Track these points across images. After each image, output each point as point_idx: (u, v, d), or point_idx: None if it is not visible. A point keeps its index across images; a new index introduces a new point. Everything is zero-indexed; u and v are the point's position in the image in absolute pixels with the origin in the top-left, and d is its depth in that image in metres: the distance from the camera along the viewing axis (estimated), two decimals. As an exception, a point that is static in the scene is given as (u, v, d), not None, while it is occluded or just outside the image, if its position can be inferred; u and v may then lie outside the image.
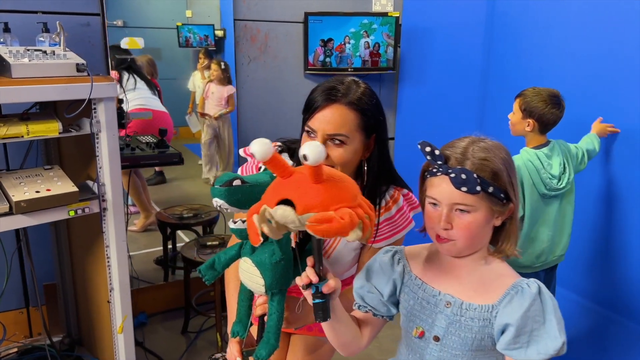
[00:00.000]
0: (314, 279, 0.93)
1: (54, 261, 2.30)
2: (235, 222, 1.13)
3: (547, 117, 2.02)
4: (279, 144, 1.42)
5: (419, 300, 1.03)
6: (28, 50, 1.64)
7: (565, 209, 2.14)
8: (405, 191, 1.36)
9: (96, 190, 1.77)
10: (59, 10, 2.18)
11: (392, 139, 3.16)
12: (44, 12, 2.15)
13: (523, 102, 2.06)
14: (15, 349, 2.24)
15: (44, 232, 2.25)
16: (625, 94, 2.27)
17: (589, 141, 2.26)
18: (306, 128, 1.25)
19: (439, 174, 0.94)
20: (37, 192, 1.62)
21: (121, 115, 1.97)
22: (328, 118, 1.20)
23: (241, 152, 1.46)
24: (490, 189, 0.92)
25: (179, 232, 3.07)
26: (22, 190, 1.61)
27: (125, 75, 2.71)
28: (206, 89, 3.08)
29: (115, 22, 2.62)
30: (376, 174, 1.30)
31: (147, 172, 3.20)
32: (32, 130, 1.61)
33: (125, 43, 2.55)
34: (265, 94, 2.80)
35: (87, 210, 1.74)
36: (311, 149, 0.81)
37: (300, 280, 0.95)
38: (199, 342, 2.61)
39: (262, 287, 1.14)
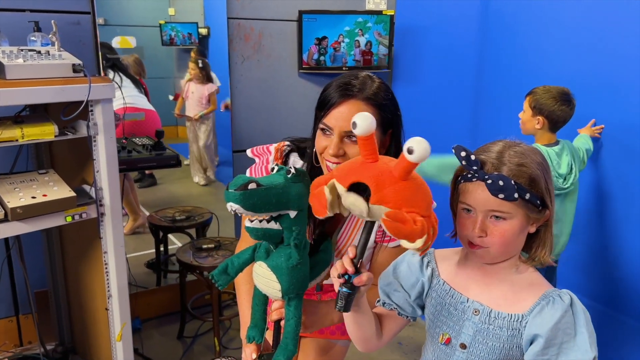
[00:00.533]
0: (350, 269, 0.91)
1: (46, 268, 2.23)
2: (252, 221, 1.09)
3: (557, 114, 2.02)
4: (287, 143, 1.39)
5: (446, 306, 1.01)
6: (22, 50, 1.58)
7: (567, 208, 2.14)
8: None
9: (93, 195, 1.72)
10: (48, 8, 2.11)
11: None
12: (32, 11, 2.08)
13: (533, 99, 2.06)
14: (6, 359, 2.17)
15: (35, 238, 2.18)
16: (621, 91, 2.28)
17: (584, 141, 2.28)
18: (321, 125, 1.20)
19: (474, 179, 0.91)
20: (33, 197, 1.57)
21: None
22: (345, 115, 1.16)
23: (248, 152, 1.42)
24: (527, 196, 0.89)
25: (170, 235, 3.01)
26: (18, 196, 1.55)
27: (111, 74, 2.65)
28: (186, 89, 3.02)
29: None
30: None
31: (135, 173, 3.13)
32: (27, 134, 1.55)
33: (116, 42, 2.48)
34: (260, 93, 2.76)
35: (84, 215, 1.69)
36: (419, 144, 0.78)
37: (335, 270, 0.93)
38: (195, 347, 2.57)
39: (278, 292, 1.11)
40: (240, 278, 1.38)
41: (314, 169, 1.26)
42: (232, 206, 1.01)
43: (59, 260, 2.18)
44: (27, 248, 1.99)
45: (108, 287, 1.81)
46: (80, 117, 1.62)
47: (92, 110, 1.64)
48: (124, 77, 2.70)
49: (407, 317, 1.08)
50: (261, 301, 1.22)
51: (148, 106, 2.80)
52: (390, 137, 1.24)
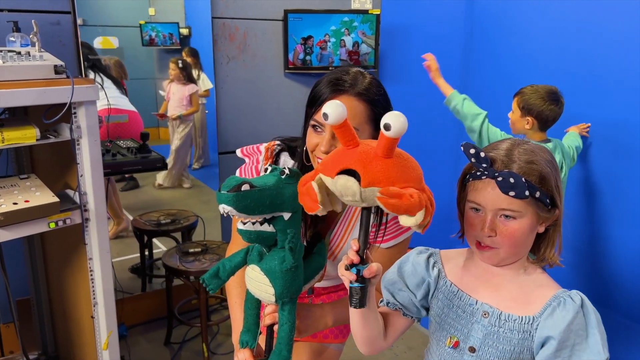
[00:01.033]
0: (356, 259, 0.88)
1: (28, 275, 2.17)
2: (244, 223, 1.06)
3: (546, 113, 2.03)
4: (277, 142, 1.36)
5: (454, 309, 0.98)
6: (1, 51, 1.52)
7: None
8: None
9: (77, 200, 1.67)
10: (27, 8, 2.05)
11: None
12: (10, 10, 2.02)
13: (521, 100, 2.06)
14: (-13, 370, 2.11)
15: (15, 245, 2.11)
16: (608, 89, 2.30)
17: (574, 139, 2.29)
18: (312, 122, 1.17)
19: (483, 177, 0.90)
20: (15, 203, 1.51)
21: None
22: None
23: (238, 152, 1.39)
24: (538, 194, 0.88)
25: (154, 239, 2.95)
26: (-2, 203, 1.50)
27: (91, 75, 2.59)
28: (167, 90, 2.96)
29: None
30: None
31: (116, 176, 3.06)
32: (8, 138, 1.49)
33: (98, 43, 2.42)
34: (245, 94, 2.72)
35: (68, 221, 1.64)
36: (395, 118, 0.76)
37: (342, 267, 0.90)
38: (183, 352, 2.52)
39: (272, 296, 1.08)
40: (231, 281, 1.34)
41: (304, 168, 1.23)
42: (224, 208, 0.98)
43: (41, 267, 2.12)
44: (7, 255, 1.93)
45: (93, 294, 1.76)
46: (62, 120, 1.57)
47: (75, 113, 1.58)
48: (104, 78, 2.64)
49: (412, 317, 1.06)
50: (254, 305, 1.19)
51: (130, 107, 2.74)
52: None
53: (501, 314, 0.93)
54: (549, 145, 2.08)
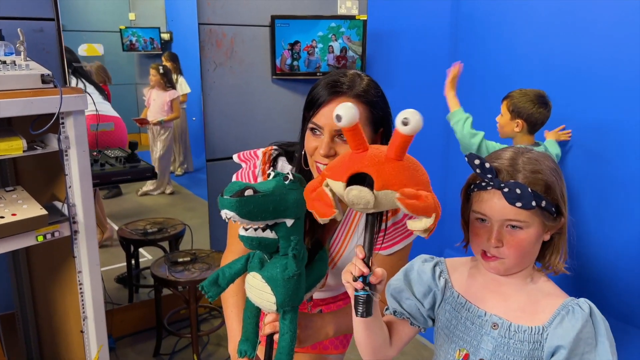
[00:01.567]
0: (366, 270, 0.87)
1: (12, 289, 2.11)
2: (246, 229, 1.04)
3: (536, 117, 2.06)
4: (274, 147, 1.34)
5: (463, 320, 0.97)
6: (-15, 60, 1.47)
7: None
8: None
9: (65, 212, 1.63)
10: (8, 15, 1.99)
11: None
12: (-9, 18, 1.96)
13: (511, 103, 2.08)
14: (-30, 388, 2.04)
15: (-1, 258, 2.06)
16: (592, 93, 2.33)
17: (552, 148, 2.33)
18: (311, 125, 1.15)
19: (489, 188, 0.89)
20: (2, 217, 1.46)
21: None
22: None
23: (235, 158, 1.37)
24: (544, 203, 0.87)
25: (140, 248, 2.90)
26: (-16, 217, 1.45)
27: (74, 80, 2.53)
28: (147, 97, 2.92)
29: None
30: None
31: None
32: (-6, 150, 1.45)
33: (83, 50, 2.36)
34: (232, 101, 2.69)
35: (57, 234, 1.60)
36: (413, 115, 0.76)
37: (348, 275, 0.89)
38: (173, 364, 2.48)
39: (273, 304, 1.06)
40: (226, 290, 1.32)
41: (303, 172, 1.22)
42: (226, 213, 0.96)
43: (27, 281, 2.06)
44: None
45: (83, 308, 1.72)
46: (50, 130, 1.53)
47: (63, 123, 1.55)
48: (87, 84, 2.59)
49: (419, 326, 1.04)
50: (253, 314, 1.17)
51: (114, 113, 2.69)
52: (381, 136, 1.20)
53: (511, 325, 0.93)
54: (539, 149, 2.10)
